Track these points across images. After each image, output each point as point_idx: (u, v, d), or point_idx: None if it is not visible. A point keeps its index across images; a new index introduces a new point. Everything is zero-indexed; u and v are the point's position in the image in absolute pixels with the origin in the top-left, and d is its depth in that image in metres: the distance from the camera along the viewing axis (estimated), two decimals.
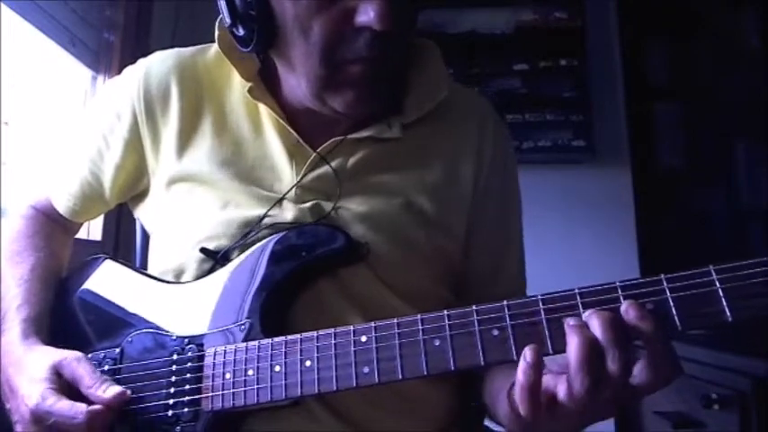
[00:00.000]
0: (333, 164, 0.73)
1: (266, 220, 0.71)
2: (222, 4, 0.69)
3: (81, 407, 0.61)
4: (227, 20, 0.70)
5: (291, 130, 0.74)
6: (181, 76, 0.79)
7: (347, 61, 0.66)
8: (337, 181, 0.73)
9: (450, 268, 0.78)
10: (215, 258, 0.71)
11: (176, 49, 0.83)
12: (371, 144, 0.75)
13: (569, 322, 0.51)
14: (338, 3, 0.64)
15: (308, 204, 0.72)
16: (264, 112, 0.76)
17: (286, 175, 0.74)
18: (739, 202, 2.06)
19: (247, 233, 0.71)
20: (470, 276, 0.80)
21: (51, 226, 0.86)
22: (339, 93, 0.69)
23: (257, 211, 0.72)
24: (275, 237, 0.70)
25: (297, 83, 0.71)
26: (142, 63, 0.82)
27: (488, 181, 0.79)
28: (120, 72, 0.85)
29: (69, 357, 0.66)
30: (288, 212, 0.72)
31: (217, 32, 0.76)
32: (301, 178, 0.73)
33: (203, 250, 0.71)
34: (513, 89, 2.31)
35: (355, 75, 0.67)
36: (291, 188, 0.73)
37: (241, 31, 0.69)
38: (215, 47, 0.79)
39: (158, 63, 0.81)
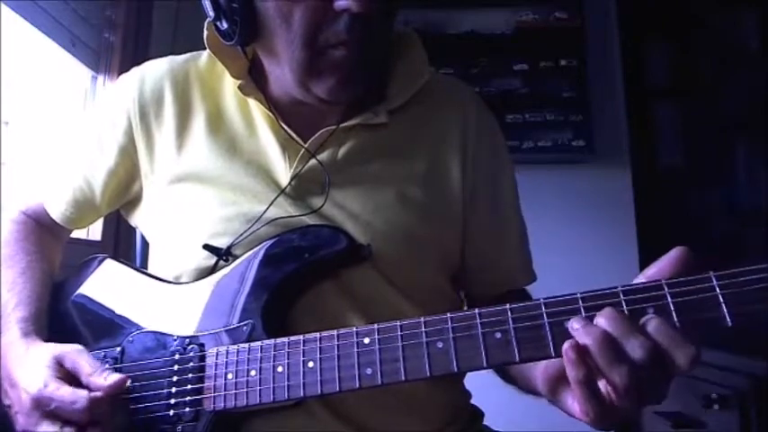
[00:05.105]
0: (324, 155, 0.75)
1: (266, 215, 0.72)
2: None
3: (82, 393, 0.62)
4: (210, 13, 0.71)
5: (282, 124, 0.75)
6: (174, 80, 0.80)
7: (329, 45, 0.67)
8: (327, 173, 0.74)
9: (447, 255, 0.79)
10: (218, 255, 0.71)
11: (169, 57, 0.85)
12: (360, 132, 0.76)
13: (573, 325, 0.51)
14: None
15: (304, 199, 0.73)
16: (256, 109, 0.78)
17: (281, 169, 0.75)
18: (739, 202, 2.06)
19: (248, 229, 0.71)
20: (470, 261, 0.81)
21: (41, 231, 0.86)
22: (322, 79, 0.70)
23: (257, 206, 0.72)
24: (276, 238, 0.70)
25: (282, 73, 0.72)
26: (136, 70, 0.83)
27: (476, 163, 0.80)
28: (120, 72, 0.85)
29: (71, 349, 0.68)
30: (286, 207, 0.73)
31: (206, 33, 0.77)
32: (296, 173, 0.74)
33: (206, 246, 0.72)
34: (513, 89, 2.31)
35: (337, 59, 0.68)
36: (288, 184, 0.74)
37: (224, 25, 0.70)
38: (206, 53, 0.81)
39: (152, 69, 0.82)
